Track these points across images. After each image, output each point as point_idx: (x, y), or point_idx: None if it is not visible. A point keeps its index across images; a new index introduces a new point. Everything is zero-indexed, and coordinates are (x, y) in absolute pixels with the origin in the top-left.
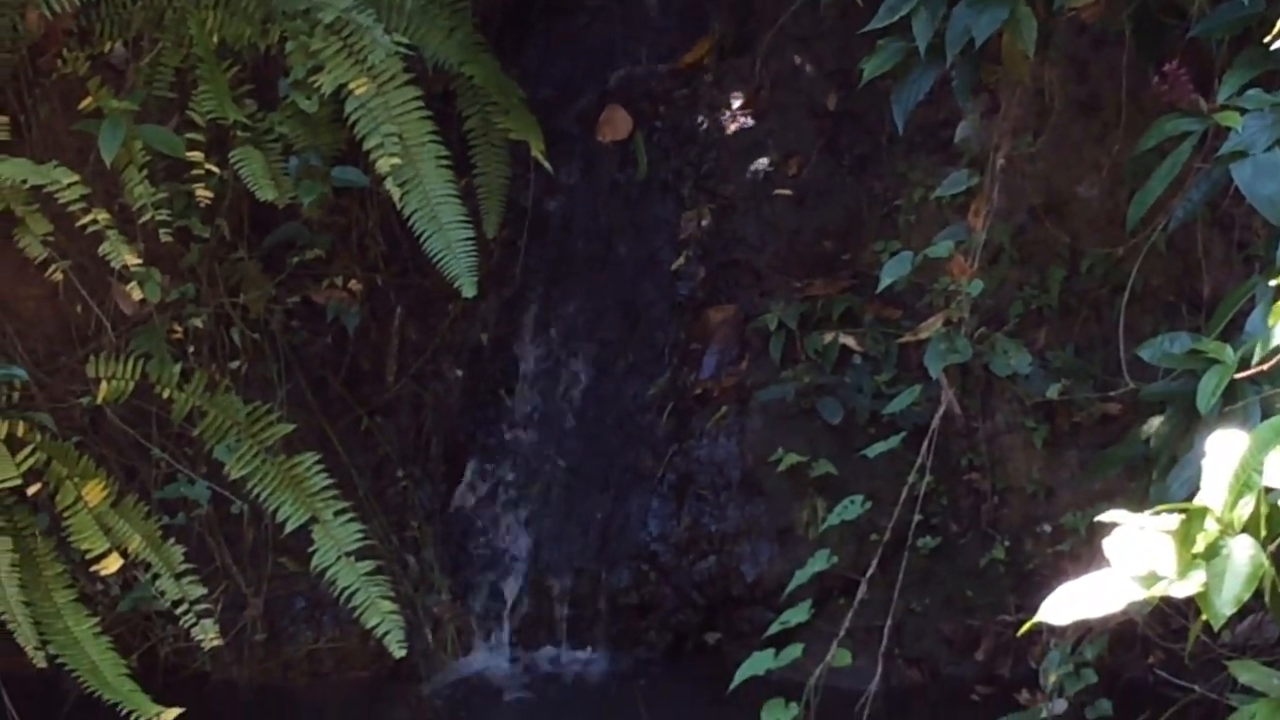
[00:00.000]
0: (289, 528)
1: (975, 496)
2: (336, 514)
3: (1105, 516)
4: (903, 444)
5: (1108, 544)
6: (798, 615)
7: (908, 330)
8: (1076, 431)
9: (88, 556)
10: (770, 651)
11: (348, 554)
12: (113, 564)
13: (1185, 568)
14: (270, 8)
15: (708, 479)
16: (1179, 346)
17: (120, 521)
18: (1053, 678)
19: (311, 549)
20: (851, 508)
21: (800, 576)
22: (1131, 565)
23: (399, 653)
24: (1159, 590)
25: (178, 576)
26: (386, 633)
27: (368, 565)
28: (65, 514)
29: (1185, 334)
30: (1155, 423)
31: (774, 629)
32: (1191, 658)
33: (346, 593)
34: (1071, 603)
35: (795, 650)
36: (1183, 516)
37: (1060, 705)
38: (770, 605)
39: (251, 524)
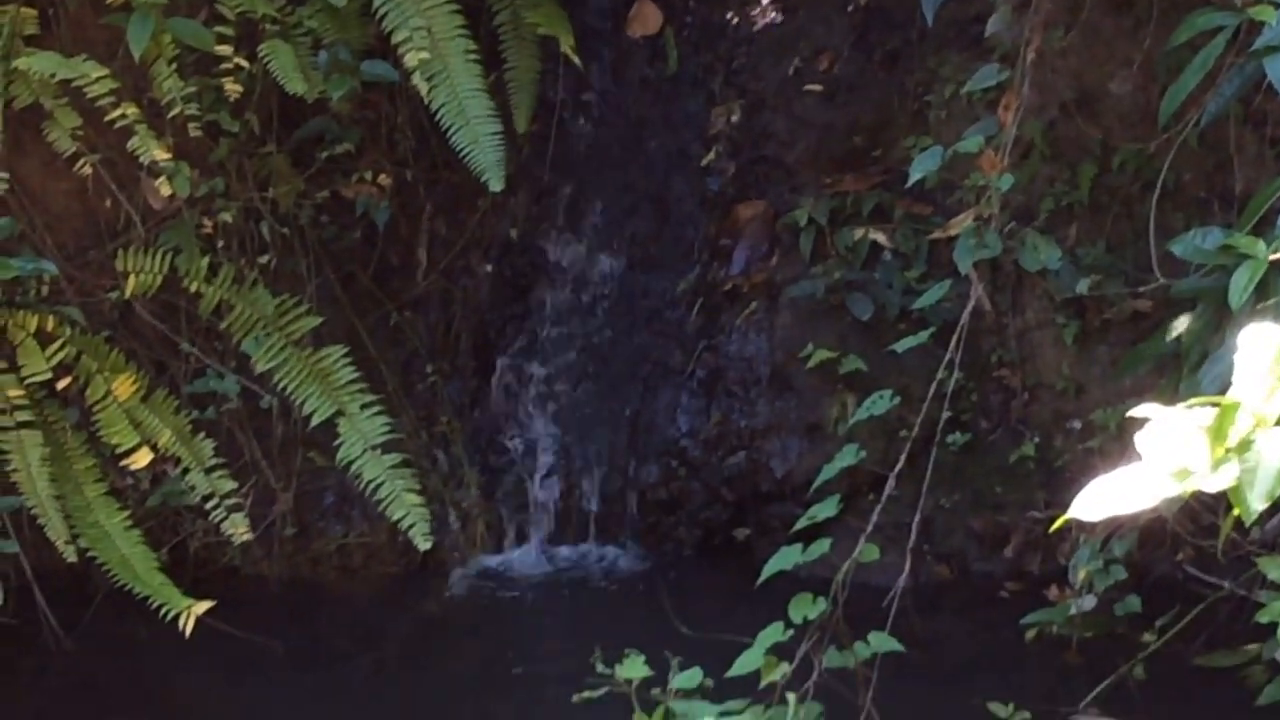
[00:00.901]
0: (315, 420)
1: (1005, 393)
2: (363, 407)
3: (1137, 411)
4: (932, 340)
5: (1140, 438)
6: (825, 510)
7: (938, 226)
8: (1107, 328)
9: (118, 451)
10: (798, 546)
11: (373, 447)
12: (143, 458)
13: (1217, 462)
14: None
15: (737, 375)
16: (1210, 242)
17: (150, 416)
18: (1082, 574)
19: (337, 442)
20: (880, 403)
21: (828, 471)
22: (1164, 460)
23: (424, 545)
24: (1191, 485)
25: (207, 471)
26: (412, 525)
27: (394, 458)
28: (95, 408)
29: (1217, 229)
30: (1186, 319)
31: (801, 524)
32: (1221, 554)
33: (372, 485)
34: (1103, 498)
35: (823, 545)
36: (1215, 411)
37: (1089, 601)
38: (799, 501)
39: (281, 418)
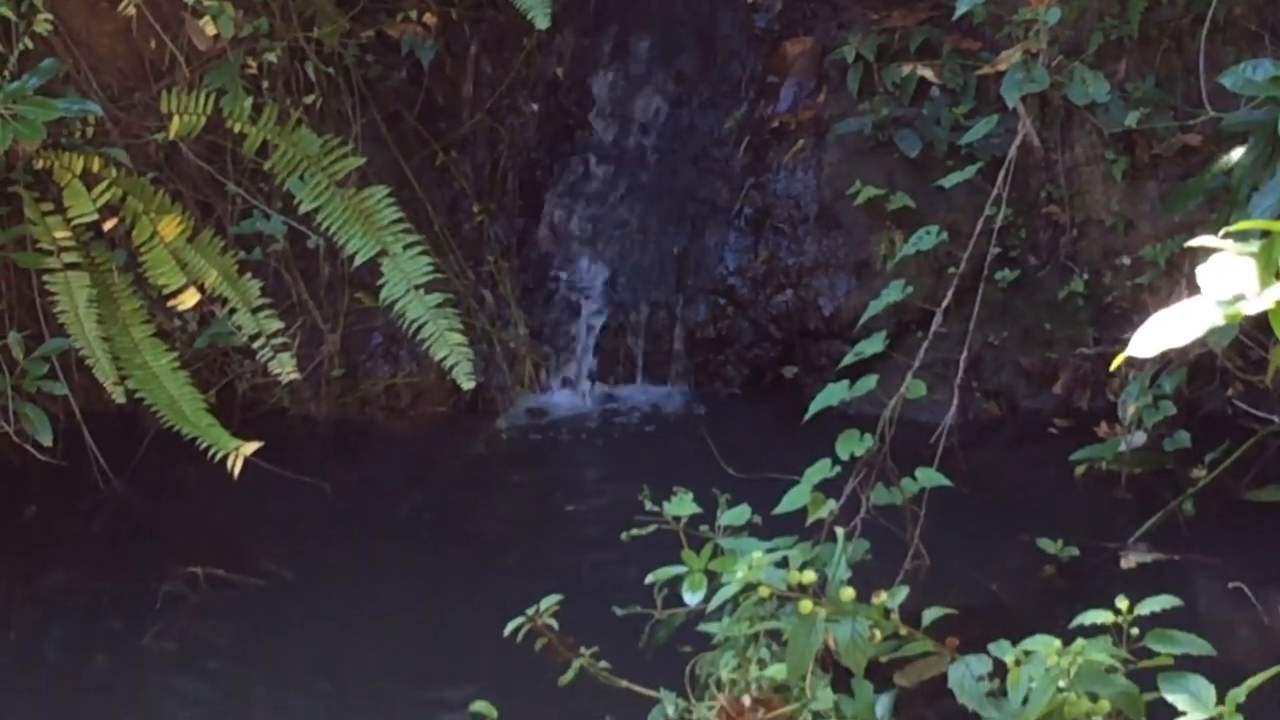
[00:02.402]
0: (358, 260)
1: (1054, 229)
2: (406, 247)
3: (1194, 241)
4: (980, 176)
5: (1201, 270)
6: (872, 346)
7: (986, 62)
8: (1156, 163)
9: (164, 292)
10: (844, 383)
11: (417, 286)
12: (190, 299)
13: (1265, 286)
14: None
15: (785, 212)
16: (1261, 74)
17: (196, 256)
18: (1131, 410)
19: (381, 282)
20: (927, 238)
21: (874, 307)
22: (1216, 288)
23: (467, 384)
24: (1239, 309)
25: (254, 311)
26: (455, 365)
27: (437, 298)
28: (142, 249)
29: (1268, 61)
30: (1237, 153)
31: (848, 360)
32: (1271, 388)
33: (415, 325)
34: (1159, 334)
35: (870, 382)
36: (1264, 238)
37: (1139, 437)
38: (847, 338)
39: (328, 259)
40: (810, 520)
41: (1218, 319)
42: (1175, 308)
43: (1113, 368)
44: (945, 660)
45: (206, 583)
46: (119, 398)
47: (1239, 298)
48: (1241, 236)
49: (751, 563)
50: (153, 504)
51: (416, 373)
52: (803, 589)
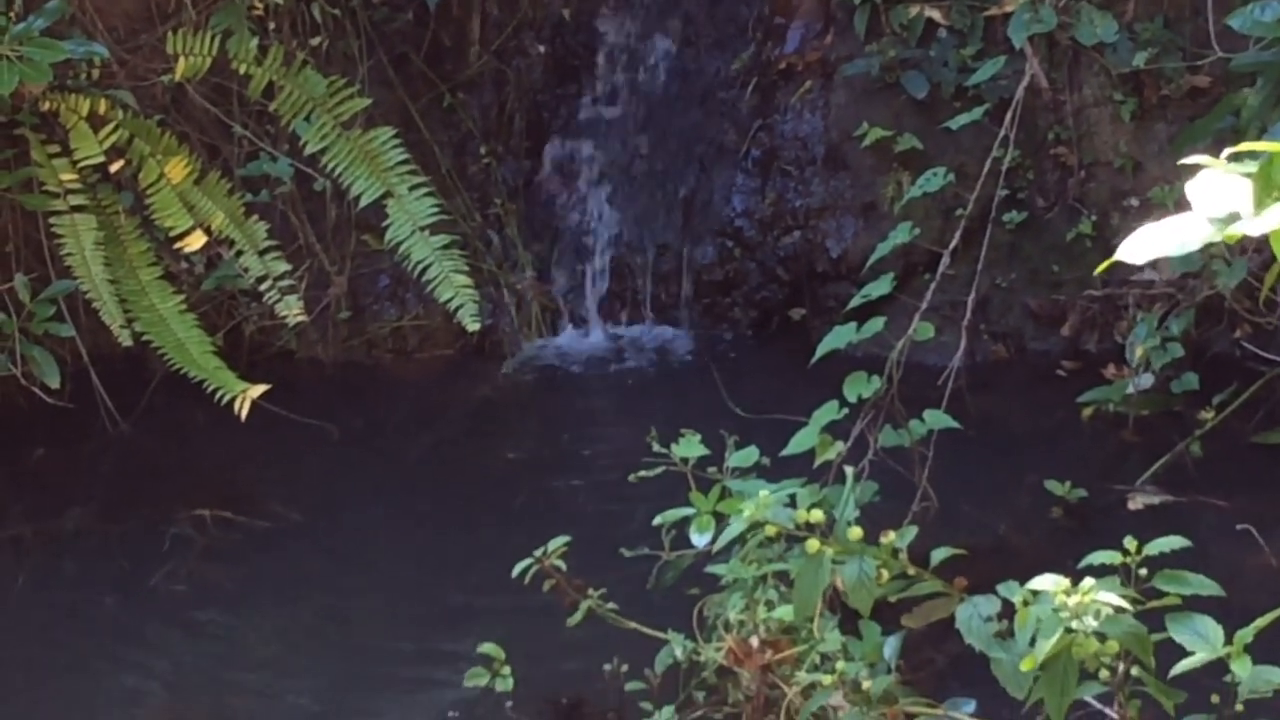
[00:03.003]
0: (364, 202)
1: (1062, 171)
2: (411, 189)
3: (1188, 160)
4: (987, 117)
5: (1189, 186)
6: (879, 288)
7: (993, 2)
8: (1165, 104)
9: (171, 234)
10: (852, 325)
11: (422, 228)
12: (196, 241)
13: (1262, 208)
14: None
15: (792, 154)
16: (1270, 14)
17: (203, 198)
18: (1139, 352)
19: (386, 223)
20: (934, 180)
21: (882, 249)
22: (1212, 207)
23: (473, 326)
24: (1236, 229)
25: (261, 253)
26: (460, 307)
27: (442, 239)
28: (148, 191)
29: (1276, 1)
30: (1245, 93)
31: (855, 302)
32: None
33: (420, 267)
34: (1150, 242)
35: (877, 324)
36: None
37: (1146, 379)
38: (855, 281)
39: (334, 201)
40: (818, 462)
41: (1211, 234)
42: (1166, 220)
43: (1098, 270)
44: (953, 602)
45: (214, 524)
46: (126, 340)
47: (1234, 216)
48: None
49: (758, 502)
50: (160, 446)
51: (423, 315)
52: (810, 529)
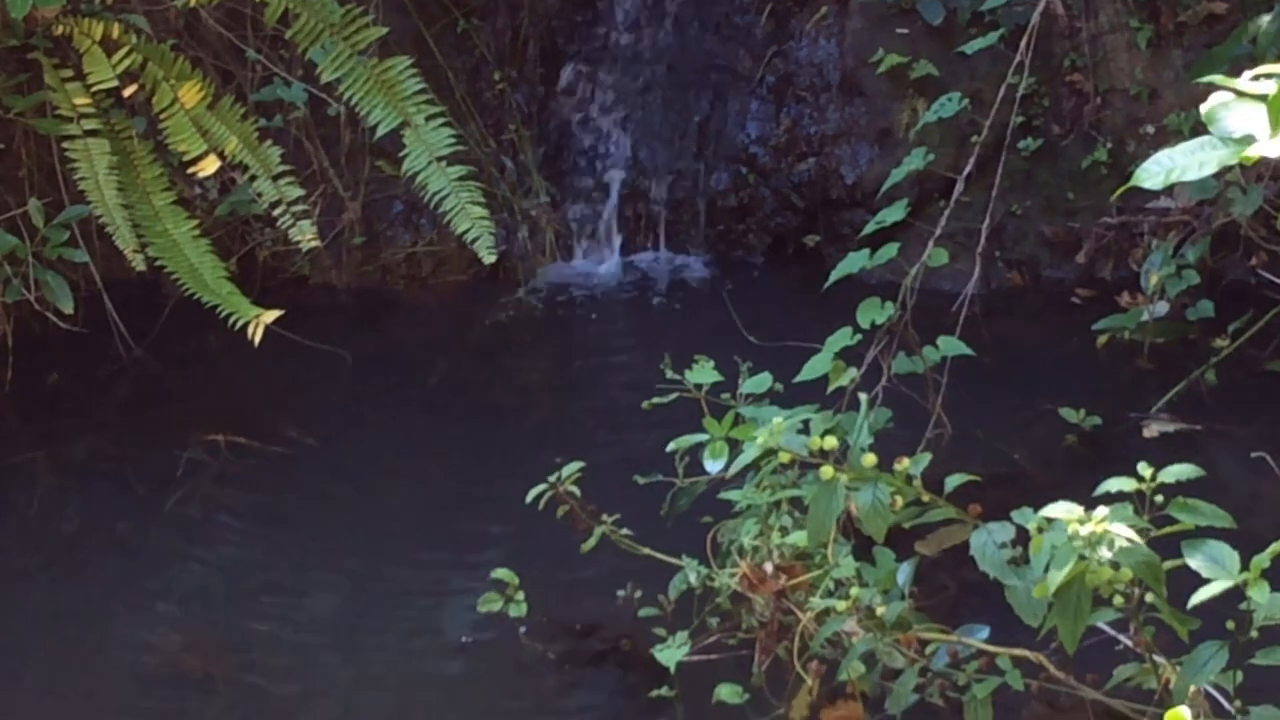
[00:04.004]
0: (381, 131)
1: (1077, 98)
2: (428, 119)
3: (1203, 79)
4: (1002, 42)
5: (1204, 107)
6: (893, 214)
7: None
8: (1181, 31)
9: (185, 159)
10: (865, 251)
11: (439, 159)
12: (210, 166)
13: (1279, 129)
14: None
15: (807, 81)
16: None
17: (217, 123)
18: (1154, 279)
19: (403, 153)
20: (949, 105)
21: (896, 174)
22: (1228, 130)
23: (489, 259)
24: (1253, 151)
25: (275, 178)
26: (476, 239)
27: (459, 170)
28: (162, 116)
29: None
30: (1262, 20)
31: (870, 228)
32: None
33: (437, 198)
34: (1167, 166)
35: (891, 250)
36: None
37: (1161, 307)
38: (869, 208)
39: (348, 126)
40: (831, 388)
41: (1227, 156)
42: (1183, 145)
43: (1117, 194)
44: (967, 529)
45: (228, 450)
46: (139, 266)
47: (1249, 139)
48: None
49: (772, 428)
50: (174, 372)
51: (437, 241)
52: (824, 455)
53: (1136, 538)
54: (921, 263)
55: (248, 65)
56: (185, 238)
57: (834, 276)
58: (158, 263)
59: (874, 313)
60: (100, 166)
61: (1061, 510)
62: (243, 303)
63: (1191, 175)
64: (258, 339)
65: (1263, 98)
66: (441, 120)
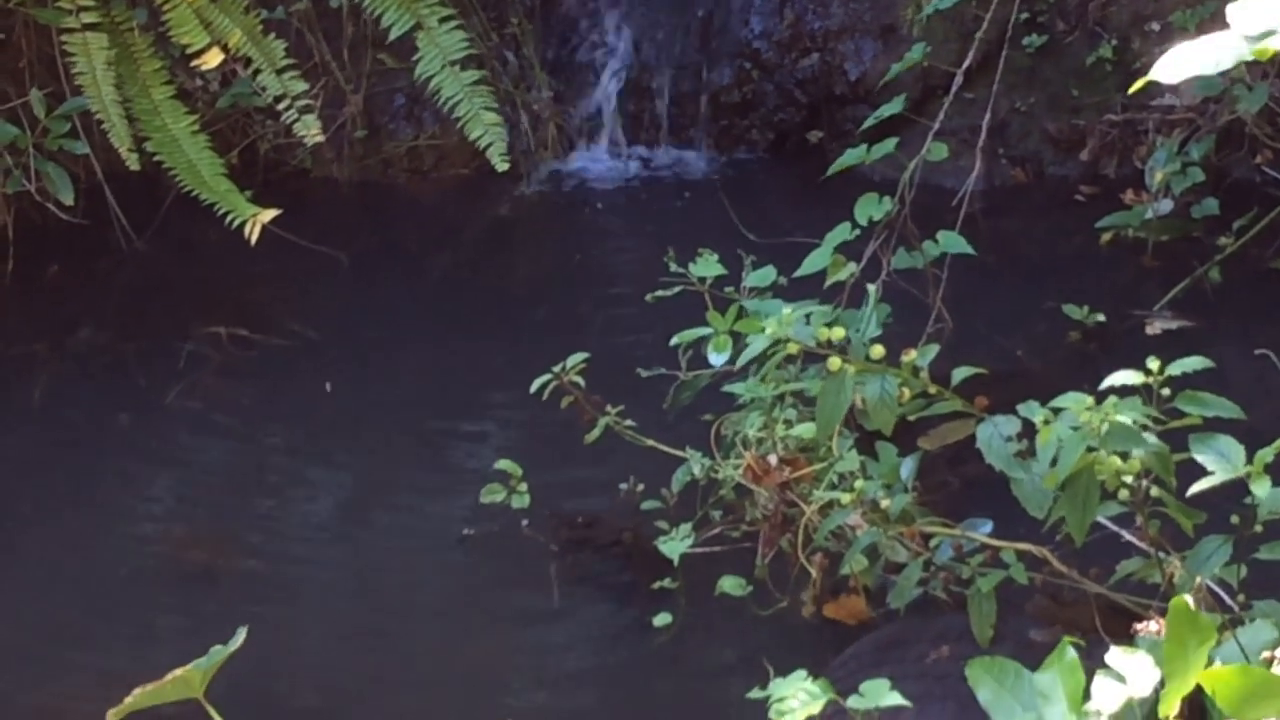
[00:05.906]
0: (394, 34)
1: None
2: (441, 21)
3: None
4: None
5: (1230, 8)
6: (892, 108)
7: None
8: None
9: (187, 52)
10: (864, 146)
11: (452, 63)
12: (214, 59)
13: None
14: None
15: None
16: None
17: (220, 15)
18: (1159, 176)
19: (416, 57)
20: None
21: (896, 69)
22: (1246, 25)
23: (501, 166)
24: (1271, 44)
25: (279, 72)
26: (489, 145)
27: (472, 75)
28: (163, 8)
29: None
30: None
31: (869, 123)
32: None
33: (450, 102)
34: (1184, 60)
35: (889, 144)
36: None
37: (1166, 204)
38: (873, 103)
39: (351, 19)
40: (828, 282)
41: (1244, 52)
42: (1201, 39)
43: (1132, 90)
44: (970, 424)
45: (230, 342)
46: (133, 165)
47: (1269, 33)
48: None
49: (780, 319)
50: (175, 264)
51: (440, 134)
52: (831, 346)
53: (1149, 423)
54: (920, 156)
55: None
56: (184, 133)
57: (833, 169)
58: (156, 158)
59: (871, 208)
60: (98, 62)
61: (1069, 401)
62: (240, 201)
63: (1209, 70)
64: (255, 237)
65: None
66: (455, 23)
